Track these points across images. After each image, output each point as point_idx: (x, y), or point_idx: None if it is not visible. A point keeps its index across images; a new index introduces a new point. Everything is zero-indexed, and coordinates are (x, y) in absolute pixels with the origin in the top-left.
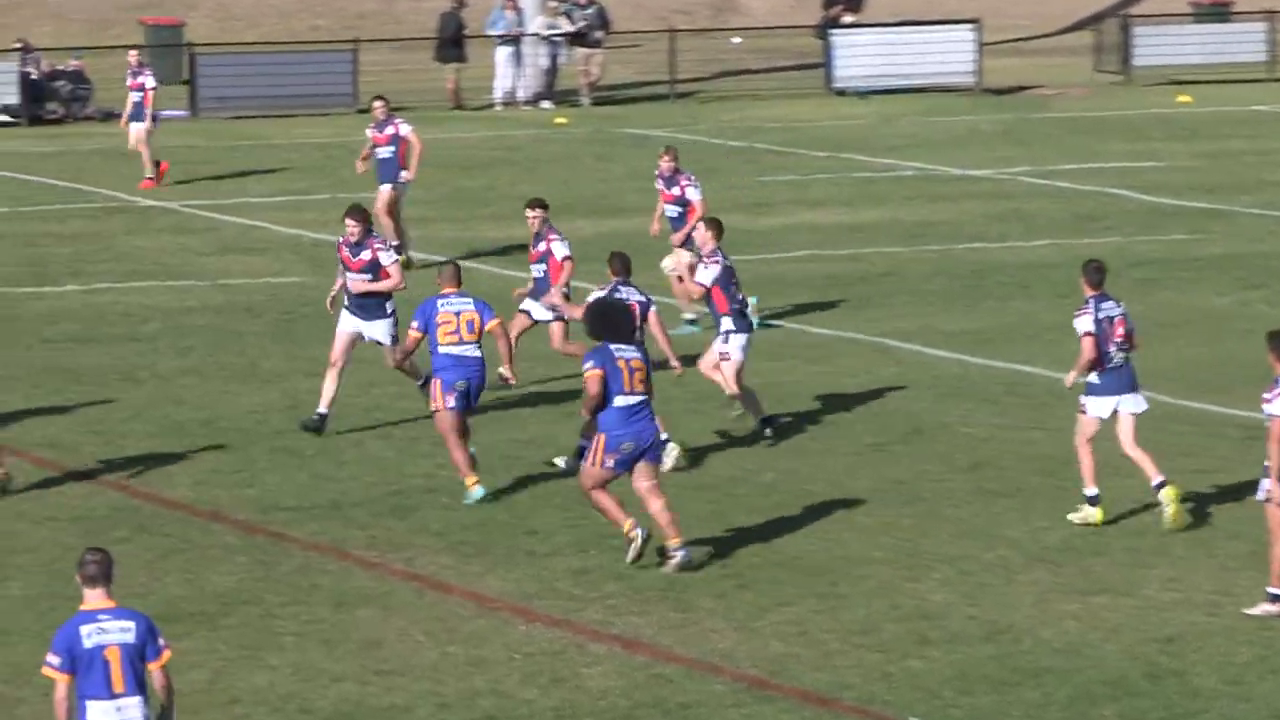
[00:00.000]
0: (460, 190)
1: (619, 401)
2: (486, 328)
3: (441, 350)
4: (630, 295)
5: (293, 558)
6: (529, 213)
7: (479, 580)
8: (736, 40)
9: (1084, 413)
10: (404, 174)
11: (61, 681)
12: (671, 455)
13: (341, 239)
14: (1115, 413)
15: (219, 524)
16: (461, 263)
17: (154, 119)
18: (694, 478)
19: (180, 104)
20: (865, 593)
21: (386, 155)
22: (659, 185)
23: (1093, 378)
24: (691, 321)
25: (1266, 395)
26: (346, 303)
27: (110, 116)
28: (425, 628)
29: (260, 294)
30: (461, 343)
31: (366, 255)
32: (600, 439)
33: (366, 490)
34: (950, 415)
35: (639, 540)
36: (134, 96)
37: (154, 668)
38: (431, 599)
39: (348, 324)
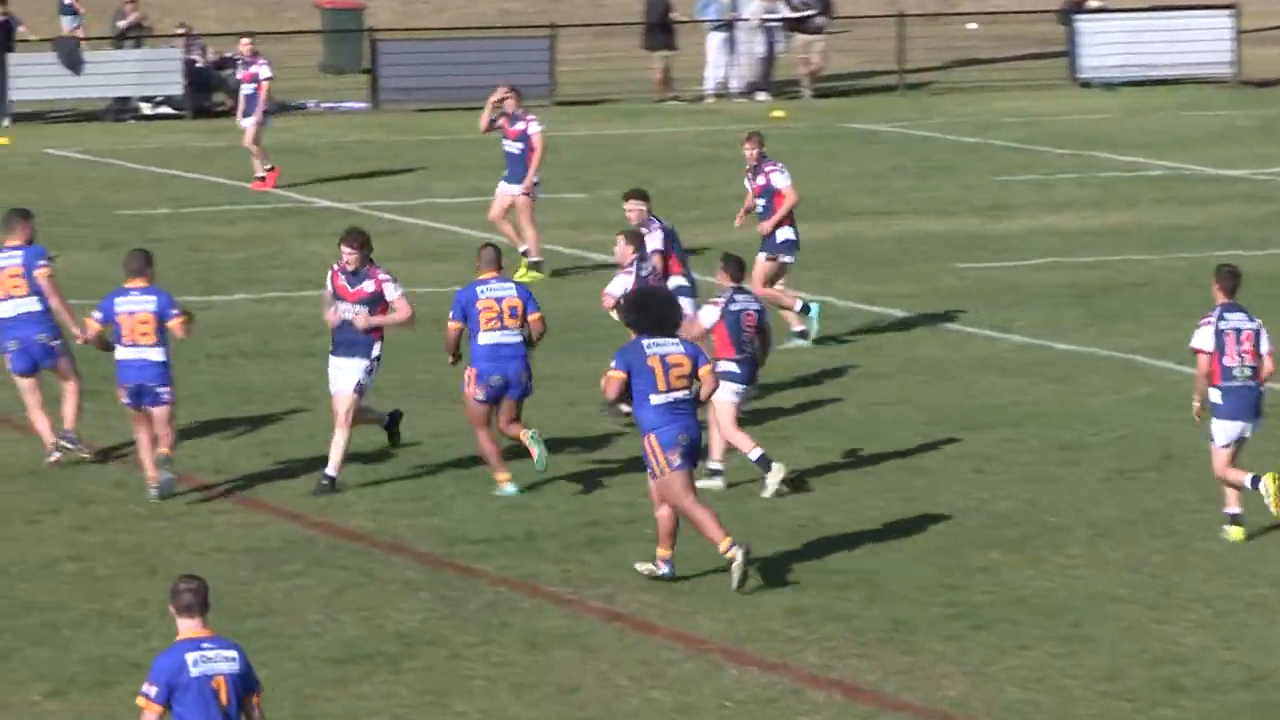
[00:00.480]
0: (667, 190)
1: (655, 400)
2: (530, 318)
3: (481, 339)
4: (746, 305)
5: (481, 594)
6: (627, 205)
7: (686, 619)
8: (972, 26)
9: (1212, 442)
10: (522, 184)
11: (153, 713)
12: (778, 475)
13: (336, 265)
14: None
15: (400, 557)
16: None
17: (267, 114)
18: (920, 505)
19: (360, 95)
20: (1111, 635)
21: (514, 152)
22: (748, 178)
23: (1215, 397)
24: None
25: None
26: (332, 342)
27: (285, 109)
28: (627, 671)
29: (448, 304)
30: (503, 328)
31: (368, 286)
32: (653, 442)
33: (561, 520)
34: (1206, 440)
35: (740, 559)
36: (246, 89)
37: (256, 700)
38: (633, 640)
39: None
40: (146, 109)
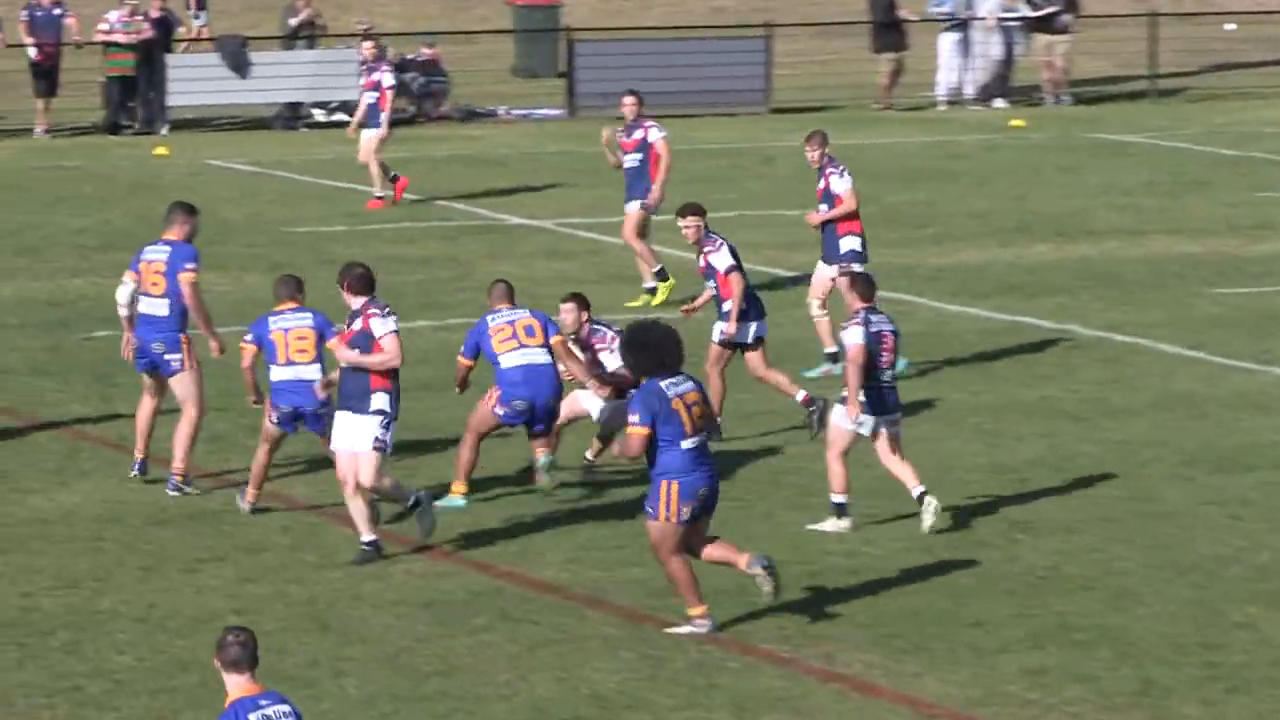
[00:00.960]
0: (895, 207)
1: (685, 445)
2: (552, 341)
3: (505, 363)
4: (882, 325)
5: (687, 652)
6: (682, 222)
7: (913, 682)
8: (1231, 26)
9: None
10: (648, 197)
11: None
12: (931, 511)
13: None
14: None
15: (598, 611)
16: (898, 295)
17: (390, 125)
18: (1172, 555)
19: (555, 101)
20: None
21: (633, 165)
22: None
23: None
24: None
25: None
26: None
27: (473, 116)
28: None
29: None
30: (521, 347)
31: (356, 325)
32: (671, 487)
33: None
34: None
35: (706, 629)
36: (367, 97)
37: None
38: (855, 703)
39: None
40: (320, 116)
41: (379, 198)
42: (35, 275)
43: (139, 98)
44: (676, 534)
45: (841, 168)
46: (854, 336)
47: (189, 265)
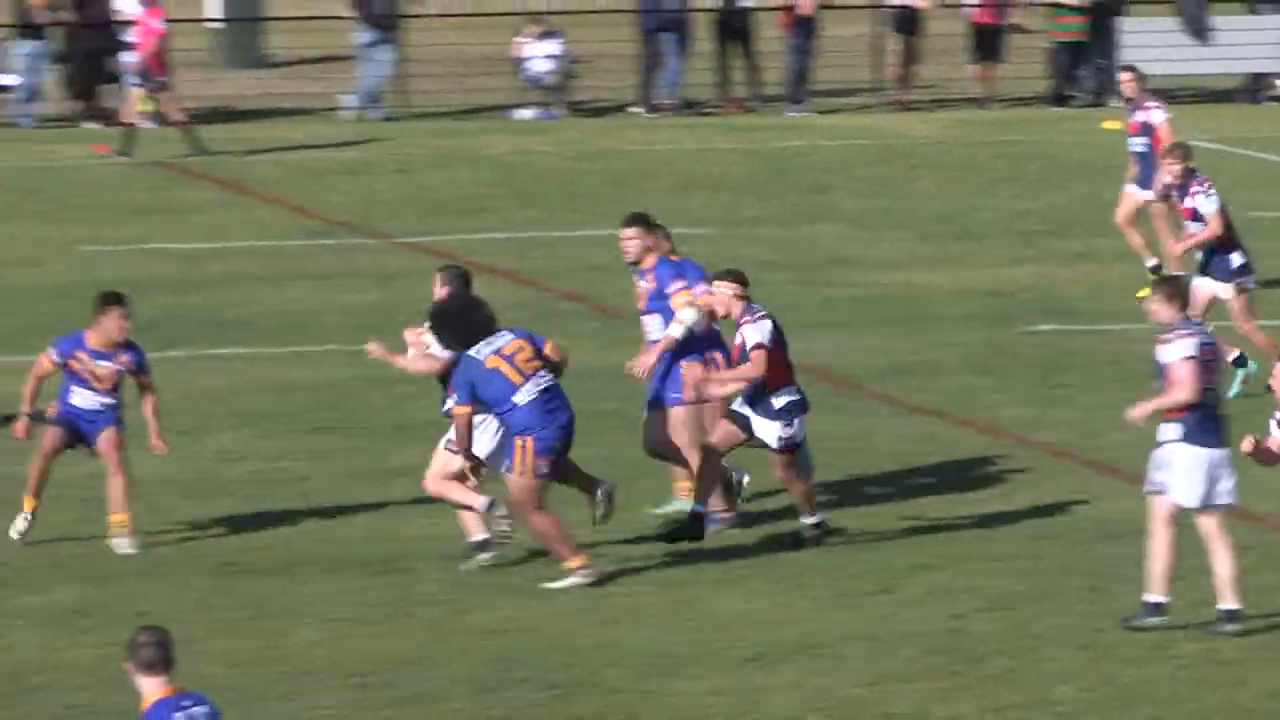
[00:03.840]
0: None
1: (519, 398)
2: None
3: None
4: (1205, 337)
5: None
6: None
7: None
8: None
9: None
10: (1152, 185)
11: None
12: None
13: None
14: None
15: None
16: None
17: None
18: None
19: None
20: None
21: (1139, 149)
22: (1174, 197)
23: None
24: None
25: None
26: None
27: None
28: None
29: None
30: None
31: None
32: (526, 443)
33: None
34: None
35: (591, 577)
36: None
37: None
38: None
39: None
40: None
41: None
42: (974, 263)
43: (1087, 65)
44: (537, 489)
45: (1207, 184)
46: (1180, 351)
47: (701, 287)
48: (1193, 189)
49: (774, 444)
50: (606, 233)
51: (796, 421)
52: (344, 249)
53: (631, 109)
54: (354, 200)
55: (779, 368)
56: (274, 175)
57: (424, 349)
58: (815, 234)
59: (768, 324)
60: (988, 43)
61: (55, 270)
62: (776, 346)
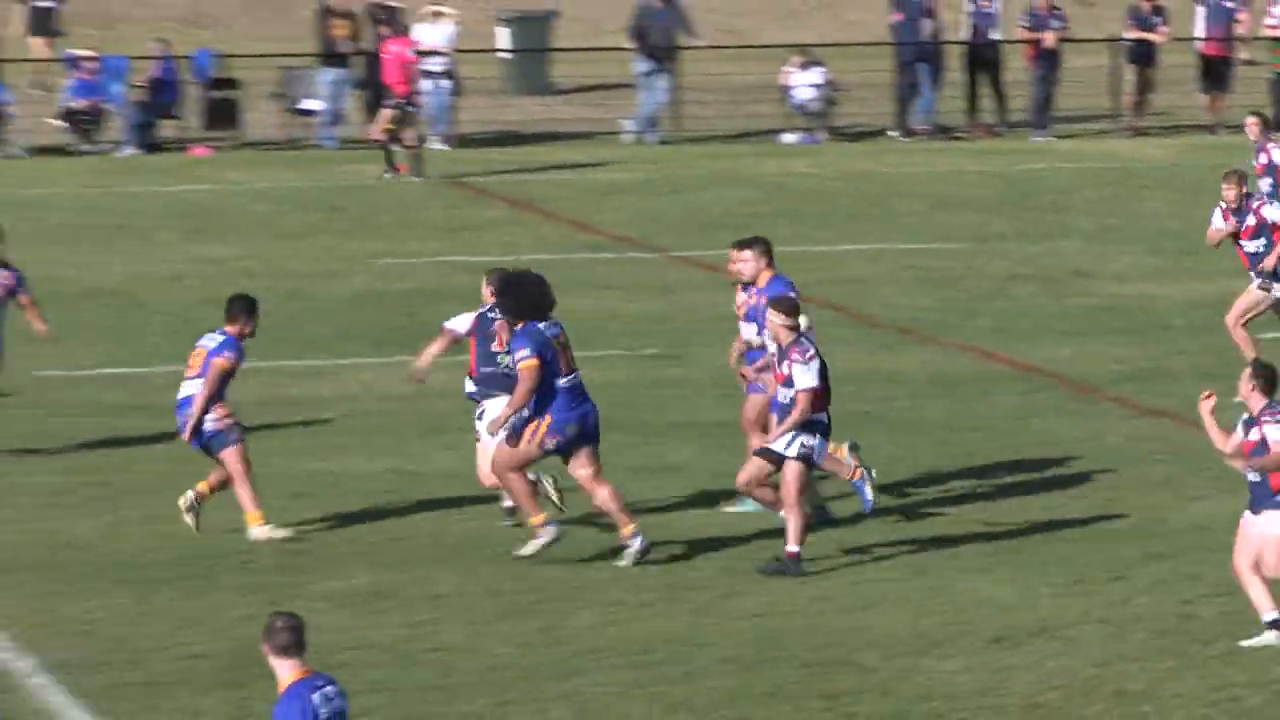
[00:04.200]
0: None
1: (562, 383)
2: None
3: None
4: None
5: None
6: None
7: None
8: None
9: None
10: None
11: None
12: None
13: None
14: None
15: None
16: None
17: None
18: None
19: None
20: None
21: (1267, 190)
22: (1230, 220)
23: None
24: None
25: None
26: None
27: None
28: None
29: None
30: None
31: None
32: (543, 422)
33: None
34: None
35: (552, 535)
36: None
37: None
38: None
39: None
40: None
41: None
42: (1202, 276)
43: None
44: (528, 458)
45: (1269, 196)
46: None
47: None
48: (1252, 205)
49: (793, 452)
50: (865, 247)
51: (819, 439)
52: (623, 262)
53: (888, 134)
54: (632, 217)
55: (820, 399)
56: (558, 194)
57: None
58: (1056, 249)
59: (816, 364)
60: (1216, 73)
61: (353, 282)
62: (822, 381)
